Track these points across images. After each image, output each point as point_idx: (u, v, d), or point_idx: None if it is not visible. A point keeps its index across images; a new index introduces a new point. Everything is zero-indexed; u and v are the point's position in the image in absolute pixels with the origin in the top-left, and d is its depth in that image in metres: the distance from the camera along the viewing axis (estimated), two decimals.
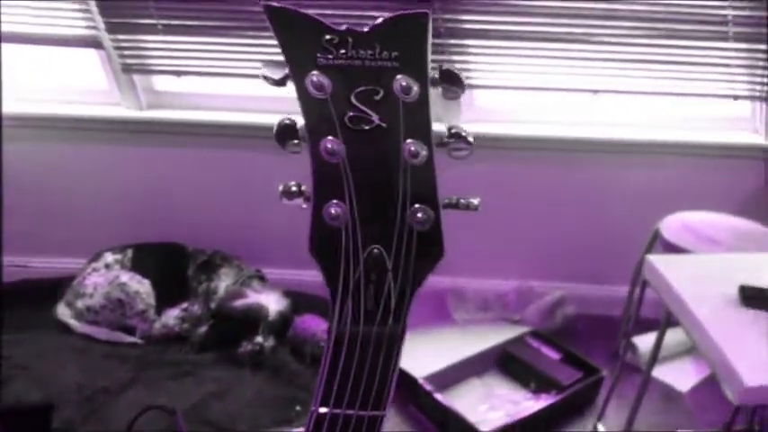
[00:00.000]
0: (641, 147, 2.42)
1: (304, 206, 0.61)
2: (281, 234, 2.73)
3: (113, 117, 2.63)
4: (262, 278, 2.54)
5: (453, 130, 0.61)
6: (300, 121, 0.61)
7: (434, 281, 2.05)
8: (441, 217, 0.61)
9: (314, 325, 2.32)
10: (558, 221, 2.52)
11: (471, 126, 2.52)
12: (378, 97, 0.58)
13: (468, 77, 2.38)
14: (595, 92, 2.40)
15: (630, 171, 2.48)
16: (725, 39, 2.19)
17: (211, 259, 2.58)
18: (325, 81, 0.58)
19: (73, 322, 2.41)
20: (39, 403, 1.66)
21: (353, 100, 0.58)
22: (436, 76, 0.60)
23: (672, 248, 2.05)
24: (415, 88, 0.58)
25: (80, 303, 2.42)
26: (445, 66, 0.60)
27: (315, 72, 0.58)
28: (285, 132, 0.61)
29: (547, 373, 2.09)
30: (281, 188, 0.62)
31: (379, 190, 0.60)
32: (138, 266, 2.52)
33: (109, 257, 2.54)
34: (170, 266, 2.58)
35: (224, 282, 2.49)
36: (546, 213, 2.52)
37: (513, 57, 2.32)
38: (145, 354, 2.32)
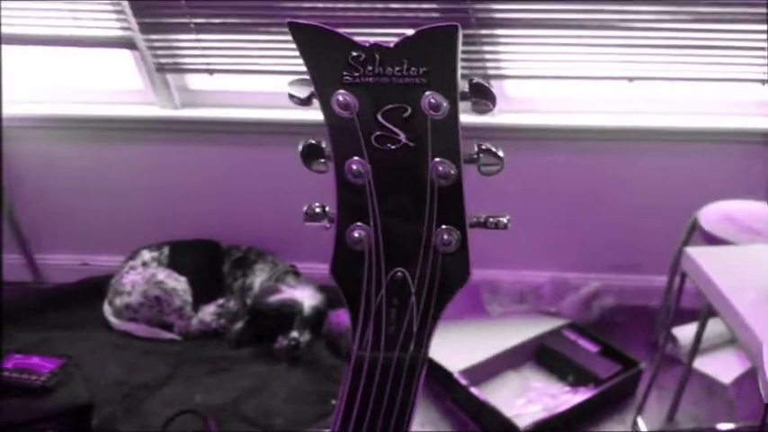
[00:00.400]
0: (675, 134, 2.37)
1: (327, 227, 0.61)
2: (315, 229, 2.73)
3: (148, 117, 2.65)
4: (296, 273, 2.55)
5: (483, 146, 0.59)
6: (326, 140, 0.60)
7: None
8: (467, 238, 0.60)
9: (348, 319, 2.32)
10: (592, 212, 2.49)
11: (502, 117, 2.51)
12: (405, 115, 0.57)
13: (498, 68, 2.36)
14: (630, 79, 2.35)
15: (666, 159, 2.43)
16: (761, 21, 2.13)
17: (246, 255, 2.59)
18: (352, 100, 0.57)
19: (113, 320, 2.45)
20: (79, 403, 1.68)
21: (380, 119, 0.57)
22: (466, 89, 0.57)
23: (711, 239, 2.01)
24: (445, 105, 0.56)
25: (119, 301, 2.46)
26: (475, 79, 0.58)
27: (341, 91, 0.57)
28: (310, 153, 0.61)
29: (585, 366, 2.06)
30: (304, 209, 0.62)
31: (404, 211, 0.59)
32: (174, 264, 2.55)
33: (146, 255, 2.57)
34: (206, 263, 2.60)
35: (259, 277, 2.51)
36: (580, 204, 2.49)
37: (545, 45, 2.28)
38: (182, 350, 2.34)
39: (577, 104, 2.45)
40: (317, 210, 0.62)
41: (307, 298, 2.34)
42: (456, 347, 2.19)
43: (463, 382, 2.00)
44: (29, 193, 2.77)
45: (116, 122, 2.66)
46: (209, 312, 2.46)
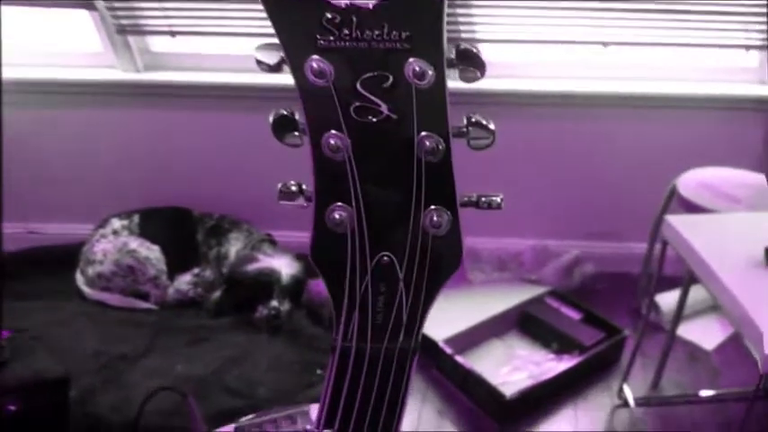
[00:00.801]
0: (653, 100, 2.37)
1: (304, 206, 0.56)
2: None
3: (109, 80, 2.55)
4: (272, 242, 2.51)
5: (473, 119, 0.54)
6: (299, 110, 0.55)
7: None
8: (459, 218, 0.55)
9: None
10: (571, 179, 2.49)
11: (478, 83, 2.44)
12: (387, 84, 0.51)
13: (472, 31, 2.32)
14: (605, 44, 2.34)
15: (644, 126, 2.44)
16: None
17: (219, 224, 2.54)
18: (327, 67, 0.51)
19: (86, 289, 2.38)
20: (54, 377, 1.61)
21: (359, 88, 0.51)
22: (452, 56, 0.52)
23: (689, 206, 2.02)
24: (430, 72, 0.50)
25: (91, 270, 2.39)
26: (462, 45, 0.53)
27: (315, 57, 0.50)
28: (282, 125, 0.55)
29: (568, 333, 2.08)
30: (279, 187, 0.56)
31: (389, 190, 0.54)
32: (145, 232, 2.48)
33: (116, 223, 2.49)
34: (178, 232, 2.54)
35: (234, 246, 2.46)
36: (559, 171, 2.49)
37: (519, 9, 2.25)
38: (160, 320, 2.29)
39: (553, 70, 2.43)
40: (293, 188, 0.56)
41: (284, 266, 2.30)
42: (439, 316, 2.16)
43: (448, 350, 2.00)
44: None
45: (76, 86, 2.56)
46: (185, 281, 2.40)
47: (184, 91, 2.55)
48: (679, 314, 1.84)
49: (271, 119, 0.55)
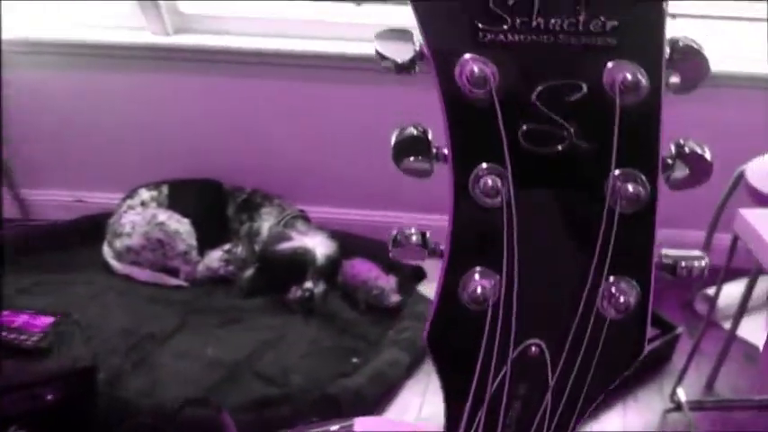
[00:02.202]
0: (716, 79, 2.23)
1: (420, 263, 0.45)
2: (323, 171, 2.60)
3: (138, 43, 2.44)
4: (305, 218, 2.41)
5: (686, 147, 0.38)
6: (433, 129, 0.39)
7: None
8: (651, 296, 0.41)
9: (365, 270, 2.21)
10: None
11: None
12: (576, 97, 0.36)
13: None
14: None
15: (705, 106, 2.30)
16: None
17: (251, 198, 2.44)
18: (490, 69, 0.35)
19: (114, 263, 2.31)
20: (84, 366, 1.56)
21: (535, 101, 0.36)
22: (669, 55, 0.36)
23: (760, 197, 1.90)
24: (644, 81, 0.35)
25: (119, 243, 2.31)
26: (682, 40, 0.36)
27: (472, 55, 0.35)
28: (409, 148, 0.39)
29: None
30: (393, 235, 0.42)
31: (557, 252, 0.39)
32: (175, 204, 2.39)
33: (144, 194, 2.41)
34: (208, 205, 2.45)
35: (266, 222, 2.36)
36: None
37: None
38: (190, 298, 2.22)
39: None
40: (414, 238, 0.41)
41: (319, 246, 2.22)
42: None
43: None
44: (14, 124, 2.58)
45: (102, 48, 2.44)
46: (216, 258, 2.32)
47: (214, 56, 2.43)
48: (742, 311, 1.74)
49: (394, 139, 0.40)
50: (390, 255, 0.42)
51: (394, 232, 0.42)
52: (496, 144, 0.37)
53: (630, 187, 0.37)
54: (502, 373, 0.41)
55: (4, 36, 2.40)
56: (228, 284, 2.27)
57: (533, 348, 0.41)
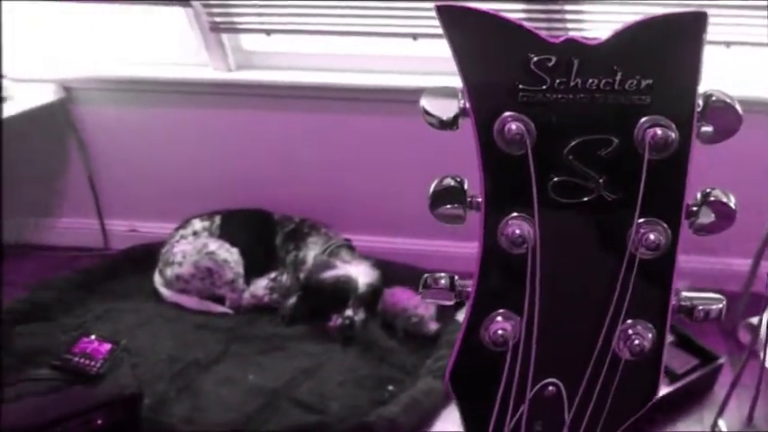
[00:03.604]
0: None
1: (449, 303, 0.44)
2: (369, 201, 2.65)
3: (201, 79, 2.55)
4: (350, 248, 2.45)
5: (711, 197, 0.40)
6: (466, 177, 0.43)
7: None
8: (665, 340, 0.42)
9: (404, 299, 2.23)
10: None
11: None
12: (607, 151, 0.38)
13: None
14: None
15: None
16: None
17: (299, 227, 2.50)
18: (528, 127, 0.38)
19: (164, 290, 2.40)
20: (127, 393, 1.63)
21: (567, 156, 0.38)
22: (701, 108, 0.38)
23: None
24: (674, 137, 0.37)
25: (169, 271, 2.40)
26: (715, 94, 0.38)
27: (512, 114, 0.38)
28: (444, 197, 0.42)
29: None
30: (424, 279, 0.45)
31: (577, 297, 0.40)
32: (225, 234, 2.47)
33: (197, 225, 2.50)
34: (257, 235, 2.52)
35: (312, 251, 2.41)
36: None
37: None
38: (234, 325, 2.28)
39: None
40: (443, 282, 0.44)
41: (361, 274, 2.25)
42: None
43: None
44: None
45: (168, 85, 2.57)
46: (261, 286, 2.38)
47: (273, 91, 2.51)
48: None
49: (432, 188, 0.43)
50: (420, 296, 0.45)
51: (425, 276, 0.45)
52: (527, 195, 0.39)
53: (652, 236, 0.39)
54: (520, 411, 0.43)
55: (73, 74, 2.55)
56: (272, 312, 2.33)
57: (550, 387, 0.43)
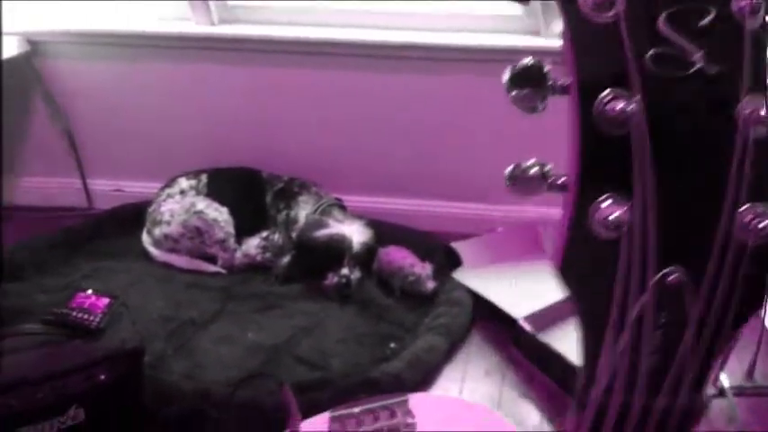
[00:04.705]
0: None
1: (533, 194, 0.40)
2: (360, 160, 2.62)
3: (184, 33, 2.48)
4: (342, 207, 2.43)
5: None
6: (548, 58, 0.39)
7: (527, 211, 1.91)
8: None
9: (400, 257, 2.23)
10: None
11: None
12: (704, 22, 0.36)
13: None
14: None
15: None
16: None
17: (288, 186, 2.47)
18: None
19: (153, 250, 2.35)
20: (129, 348, 1.60)
21: (662, 26, 0.36)
22: None
23: None
24: None
25: (158, 231, 2.35)
26: None
27: None
28: (525, 79, 0.39)
29: None
30: (510, 171, 0.41)
31: (691, 177, 0.38)
32: (213, 193, 2.43)
33: (183, 183, 2.45)
34: (246, 193, 2.48)
35: (303, 210, 2.39)
36: None
37: None
38: (228, 284, 2.25)
39: None
40: (532, 171, 0.40)
41: (355, 233, 2.23)
42: (518, 291, 2.10)
43: (528, 328, 1.92)
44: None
45: (149, 39, 2.51)
46: (253, 245, 2.35)
47: (257, 45, 2.47)
48: None
49: (509, 71, 0.39)
50: (509, 190, 0.41)
51: (510, 168, 0.41)
52: (623, 69, 0.36)
53: (763, 111, 0.36)
54: (643, 301, 0.40)
55: (50, 27, 2.46)
56: (265, 272, 2.30)
57: (673, 276, 0.40)
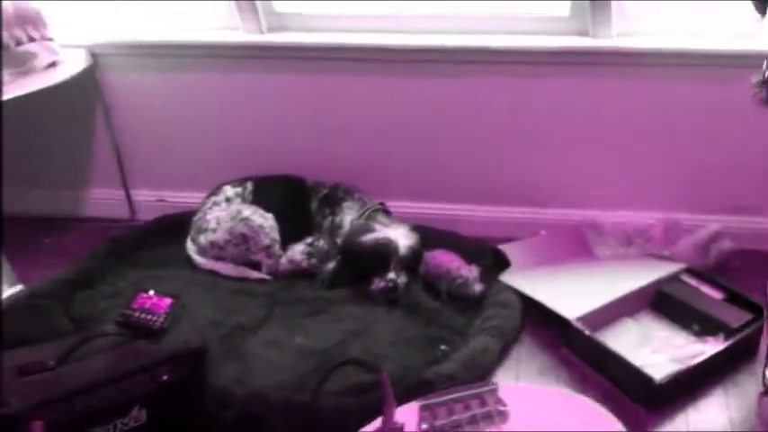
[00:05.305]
0: None
1: None
2: (403, 165, 2.62)
3: (232, 42, 2.50)
4: (386, 211, 2.43)
5: None
6: None
7: (570, 214, 1.88)
8: None
9: (446, 261, 2.22)
10: (707, 146, 2.30)
11: (612, 41, 2.31)
12: None
13: None
14: None
15: None
16: None
17: (332, 192, 2.47)
18: None
19: (198, 258, 2.36)
20: (192, 348, 1.61)
21: None
22: None
23: None
24: None
25: (203, 239, 2.36)
26: None
27: None
28: None
29: (711, 314, 1.93)
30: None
31: None
32: (258, 200, 2.44)
33: (229, 191, 2.46)
34: (291, 200, 2.48)
35: (348, 216, 2.38)
36: (691, 138, 2.31)
37: None
38: (273, 290, 2.25)
39: (696, 27, 2.24)
40: None
41: (401, 237, 2.23)
42: (568, 292, 2.07)
43: (583, 329, 1.89)
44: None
45: (197, 48, 2.53)
46: (299, 251, 2.35)
47: (304, 53, 2.47)
48: None
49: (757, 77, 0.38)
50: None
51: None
52: None
53: None
54: None
55: (102, 39, 2.49)
56: (310, 278, 2.29)
57: None
